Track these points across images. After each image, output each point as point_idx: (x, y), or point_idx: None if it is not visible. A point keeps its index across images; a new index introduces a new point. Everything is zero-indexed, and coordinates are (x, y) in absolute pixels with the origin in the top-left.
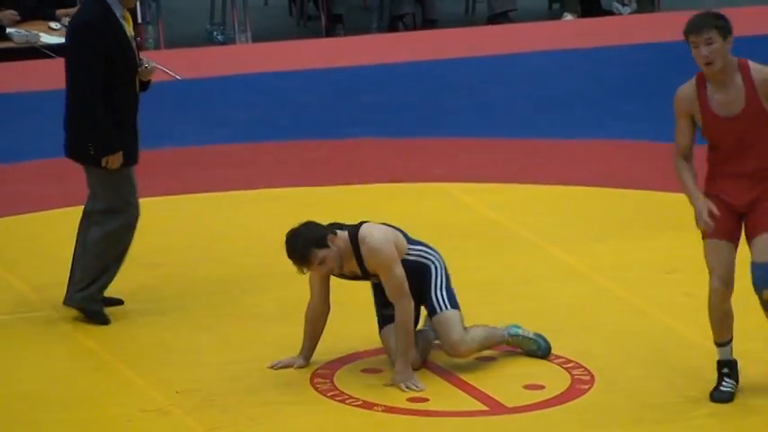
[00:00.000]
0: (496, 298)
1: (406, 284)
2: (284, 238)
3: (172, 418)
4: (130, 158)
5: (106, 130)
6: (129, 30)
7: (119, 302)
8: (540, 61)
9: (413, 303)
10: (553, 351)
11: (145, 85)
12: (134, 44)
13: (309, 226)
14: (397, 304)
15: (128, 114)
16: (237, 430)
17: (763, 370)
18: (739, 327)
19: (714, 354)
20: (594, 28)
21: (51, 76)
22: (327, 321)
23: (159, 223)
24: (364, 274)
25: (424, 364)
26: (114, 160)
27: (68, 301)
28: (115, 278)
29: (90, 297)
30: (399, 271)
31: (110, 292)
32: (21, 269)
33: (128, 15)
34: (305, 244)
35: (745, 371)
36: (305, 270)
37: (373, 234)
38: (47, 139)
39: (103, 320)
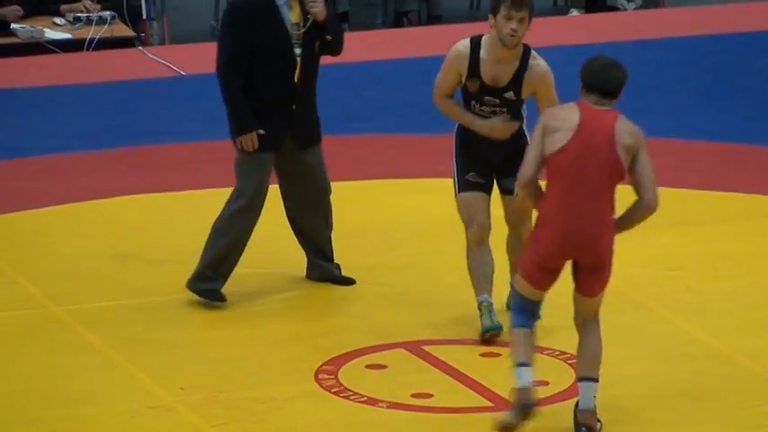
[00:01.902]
0: (500, 294)
1: None
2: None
3: (176, 415)
4: (269, 144)
5: (239, 111)
6: (295, 17)
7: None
8: (546, 56)
9: None
10: (556, 347)
11: (323, 33)
12: (299, 30)
13: None
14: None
15: (276, 100)
16: (242, 426)
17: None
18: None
19: (715, 351)
20: (600, 23)
21: (55, 71)
22: (329, 319)
23: (162, 219)
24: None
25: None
26: (247, 141)
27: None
28: (118, 275)
29: (197, 277)
30: None
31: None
32: (24, 265)
33: (295, 4)
34: None
35: None
36: (516, 15)
37: None
38: (51, 135)
39: (216, 297)
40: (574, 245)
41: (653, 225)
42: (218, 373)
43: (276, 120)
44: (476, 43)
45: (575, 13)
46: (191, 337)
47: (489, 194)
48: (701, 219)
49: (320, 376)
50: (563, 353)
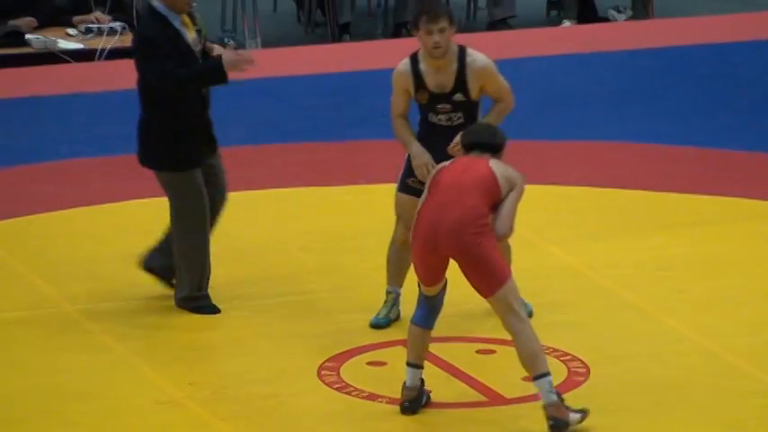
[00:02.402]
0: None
1: None
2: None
3: (185, 410)
4: (198, 160)
5: (202, 72)
6: (191, 34)
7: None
8: (539, 66)
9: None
10: (550, 344)
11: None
12: (199, 47)
13: None
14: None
15: (195, 115)
16: (248, 420)
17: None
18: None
19: (702, 348)
20: (591, 34)
21: (68, 80)
22: (332, 317)
23: None
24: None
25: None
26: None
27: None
28: (130, 276)
29: (188, 299)
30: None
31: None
32: (40, 267)
33: (187, 21)
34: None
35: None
36: (435, 27)
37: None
38: (64, 141)
39: (212, 310)
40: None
41: (643, 228)
42: (225, 369)
43: (198, 134)
44: (414, 58)
45: (567, 24)
46: (198, 335)
47: None
48: (688, 221)
49: (323, 373)
50: (554, 350)
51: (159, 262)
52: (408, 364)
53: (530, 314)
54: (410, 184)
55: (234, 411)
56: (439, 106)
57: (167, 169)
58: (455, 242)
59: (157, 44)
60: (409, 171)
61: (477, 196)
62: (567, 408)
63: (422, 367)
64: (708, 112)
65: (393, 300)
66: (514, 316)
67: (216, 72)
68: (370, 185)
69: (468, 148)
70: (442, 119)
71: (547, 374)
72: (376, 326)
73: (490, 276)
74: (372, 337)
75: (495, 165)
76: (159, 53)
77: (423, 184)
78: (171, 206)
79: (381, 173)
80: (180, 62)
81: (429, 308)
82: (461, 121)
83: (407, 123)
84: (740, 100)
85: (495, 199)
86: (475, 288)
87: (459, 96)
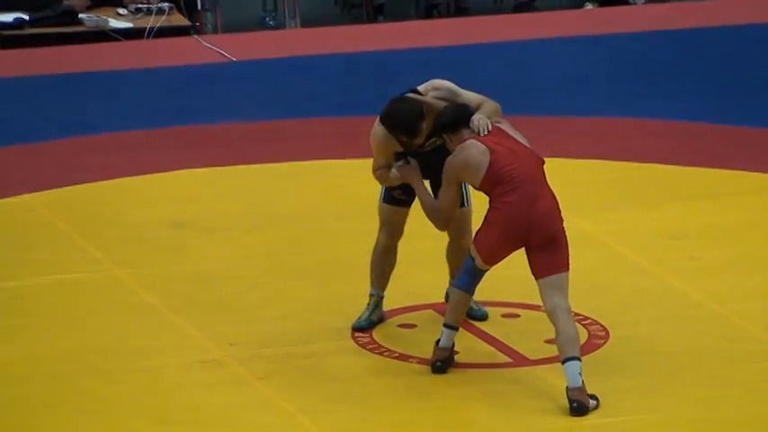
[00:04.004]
0: (517, 262)
1: None
2: (387, 114)
3: (226, 368)
4: None
5: None
6: None
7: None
8: (562, 46)
9: None
10: (572, 309)
11: None
12: None
13: (408, 101)
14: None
15: None
16: (285, 379)
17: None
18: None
19: (715, 313)
20: (612, 16)
21: (119, 57)
22: (366, 280)
23: (216, 191)
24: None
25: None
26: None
27: None
28: (175, 241)
29: None
30: None
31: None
32: (91, 233)
33: None
34: (414, 117)
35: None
36: (409, 143)
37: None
38: (115, 115)
39: None
40: None
41: (658, 200)
42: (264, 330)
43: None
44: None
45: (589, 6)
46: (239, 297)
47: (409, 208)
48: (701, 193)
49: (357, 334)
50: (576, 314)
51: None
52: (446, 325)
53: (484, 318)
54: (396, 196)
55: (272, 370)
56: (427, 143)
57: None
58: (549, 226)
59: None
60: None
61: (546, 182)
62: (589, 394)
63: (458, 329)
64: (721, 91)
65: (375, 302)
66: (563, 299)
67: None
68: None
69: (454, 127)
70: (427, 147)
71: (577, 359)
72: (358, 328)
73: (566, 256)
74: (403, 301)
75: (509, 130)
76: None
77: (408, 195)
78: None
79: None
80: None
81: (477, 278)
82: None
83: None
84: (753, 79)
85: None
86: (542, 265)
87: (434, 140)
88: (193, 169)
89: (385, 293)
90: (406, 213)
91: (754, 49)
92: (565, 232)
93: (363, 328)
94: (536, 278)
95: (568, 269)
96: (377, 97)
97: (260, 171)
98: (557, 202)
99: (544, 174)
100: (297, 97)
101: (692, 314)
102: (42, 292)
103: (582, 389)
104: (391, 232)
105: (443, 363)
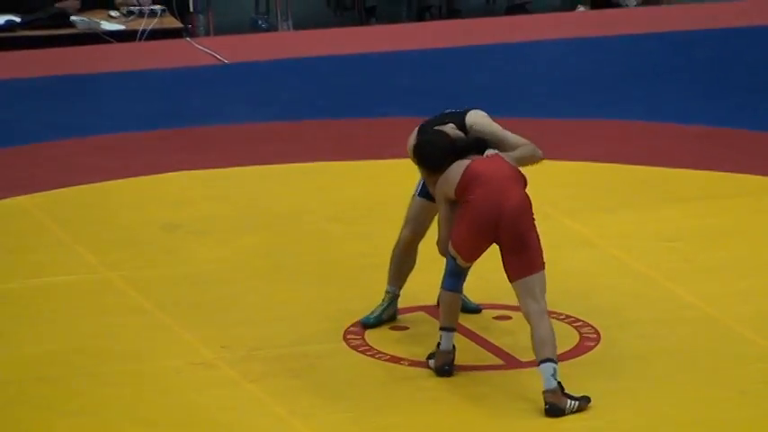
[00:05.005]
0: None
1: None
2: (418, 144)
3: (217, 371)
4: None
5: None
6: None
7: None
8: (554, 48)
9: None
10: (563, 311)
11: None
12: None
13: (440, 138)
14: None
15: None
16: (277, 381)
17: None
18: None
19: (709, 316)
20: (604, 18)
21: (110, 59)
22: (357, 284)
23: (208, 193)
24: None
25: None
26: None
27: None
28: (167, 244)
29: None
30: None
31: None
32: (83, 235)
33: None
34: (439, 157)
35: None
36: (428, 177)
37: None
38: (107, 117)
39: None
40: None
41: (651, 202)
42: (255, 333)
43: None
44: None
45: (581, 9)
46: (231, 300)
47: None
48: (695, 196)
49: (348, 336)
50: (567, 316)
51: None
52: (443, 328)
53: (477, 311)
54: (431, 192)
55: (264, 372)
56: None
57: None
58: (518, 223)
59: None
60: None
61: (522, 186)
62: (568, 395)
63: (455, 330)
64: (714, 94)
65: (390, 299)
66: (536, 302)
67: None
68: (396, 159)
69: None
70: None
71: (551, 361)
72: (365, 324)
73: (536, 258)
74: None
75: (507, 158)
76: None
77: None
78: None
79: (406, 147)
80: None
81: (462, 276)
82: None
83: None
84: (743, 82)
85: (526, 185)
86: (513, 268)
87: None
88: (186, 171)
89: (399, 292)
90: (436, 212)
91: (746, 51)
92: (536, 231)
93: (370, 324)
94: (510, 281)
95: (542, 269)
96: (368, 100)
97: (252, 173)
98: (529, 202)
99: (521, 184)
100: (289, 99)
101: (684, 316)
102: (33, 294)
103: (555, 391)
104: (416, 229)
105: (450, 366)
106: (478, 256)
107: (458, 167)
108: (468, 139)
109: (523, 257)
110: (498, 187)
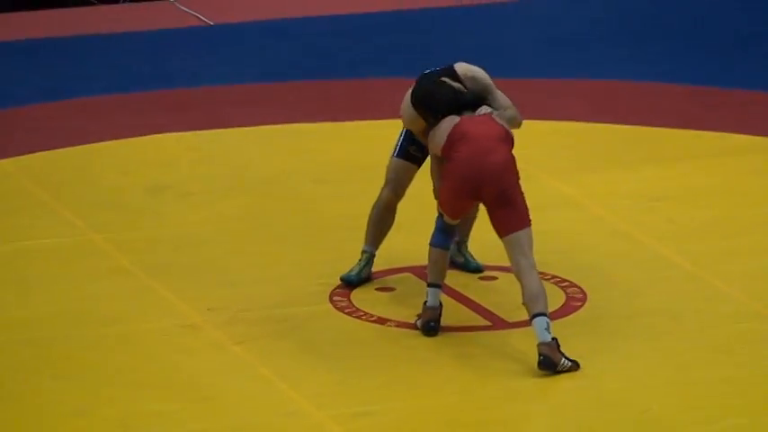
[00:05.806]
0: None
1: None
2: (423, 94)
3: (203, 332)
4: None
5: None
6: None
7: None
8: (542, 7)
9: None
10: (549, 271)
11: None
12: None
13: (446, 87)
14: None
15: None
16: (263, 343)
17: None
18: (712, 252)
19: (692, 275)
20: None
21: (94, 22)
22: (343, 246)
23: (193, 155)
24: None
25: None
26: None
27: None
28: (152, 206)
29: None
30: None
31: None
32: (67, 198)
33: None
34: (449, 105)
35: None
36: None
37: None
38: (91, 80)
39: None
40: None
41: (637, 161)
42: (242, 295)
43: None
44: None
45: None
46: (217, 262)
47: (419, 167)
48: (679, 155)
49: (334, 298)
50: (553, 276)
51: None
52: (430, 284)
53: (479, 270)
54: (411, 152)
55: (250, 334)
56: None
57: None
58: (501, 180)
59: None
60: (411, 139)
61: (508, 146)
62: (562, 353)
63: (441, 287)
64: (702, 52)
65: (367, 259)
66: (525, 258)
67: None
68: (380, 120)
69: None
70: None
71: (544, 315)
72: (346, 280)
73: (523, 214)
74: (381, 264)
75: (497, 118)
76: None
77: (422, 150)
78: None
79: (390, 109)
80: None
81: (450, 232)
82: None
83: None
84: (725, 40)
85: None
86: (501, 224)
87: None
88: (170, 133)
89: (375, 251)
90: (415, 172)
91: (736, 8)
92: (521, 189)
93: (352, 281)
94: (500, 237)
95: (528, 225)
96: (352, 60)
97: (237, 135)
98: (513, 161)
99: (508, 144)
100: (275, 61)
101: (670, 276)
102: (19, 257)
103: (550, 344)
104: (396, 189)
105: (436, 322)
106: (463, 214)
107: (447, 124)
108: (473, 93)
109: (511, 213)
110: (483, 146)
